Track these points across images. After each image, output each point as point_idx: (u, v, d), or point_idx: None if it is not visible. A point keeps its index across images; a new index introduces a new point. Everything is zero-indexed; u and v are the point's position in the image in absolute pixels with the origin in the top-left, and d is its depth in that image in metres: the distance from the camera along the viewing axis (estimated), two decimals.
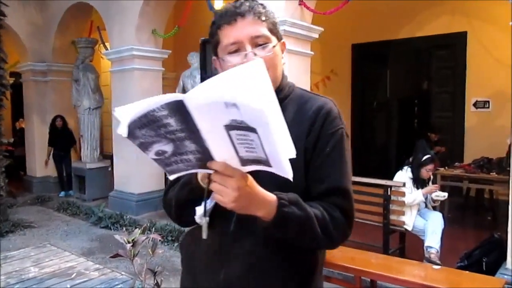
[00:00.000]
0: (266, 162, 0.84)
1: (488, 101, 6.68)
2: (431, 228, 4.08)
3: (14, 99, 8.68)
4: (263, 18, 1.11)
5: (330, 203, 1.07)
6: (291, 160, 0.93)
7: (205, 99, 0.74)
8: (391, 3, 7.16)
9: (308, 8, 4.65)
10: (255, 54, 1.08)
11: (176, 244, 4.97)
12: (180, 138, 0.81)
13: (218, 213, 1.03)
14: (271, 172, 0.90)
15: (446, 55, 7.32)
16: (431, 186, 4.28)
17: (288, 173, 0.84)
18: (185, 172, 0.92)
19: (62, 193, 7.81)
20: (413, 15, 7.26)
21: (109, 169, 7.45)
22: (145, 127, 0.80)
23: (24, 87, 8.48)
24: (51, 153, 7.86)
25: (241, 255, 1.09)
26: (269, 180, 0.94)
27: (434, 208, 4.45)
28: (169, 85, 8.27)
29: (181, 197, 1.12)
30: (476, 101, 6.78)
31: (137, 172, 6.33)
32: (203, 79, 2.93)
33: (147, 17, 6.27)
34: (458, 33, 6.84)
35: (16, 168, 8.53)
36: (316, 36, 4.91)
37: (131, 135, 0.83)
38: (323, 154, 1.11)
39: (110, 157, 7.37)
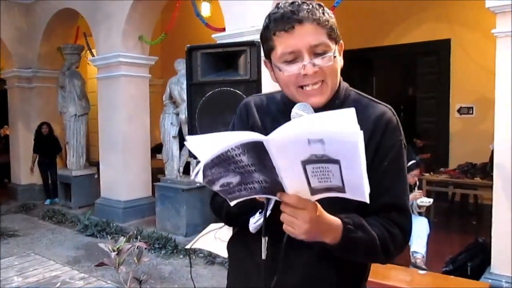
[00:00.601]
0: (339, 189, 0.83)
1: (472, 107, 6.78)
2: (417, 233, 4.11)
3: None
4: (323, 24, 1.03)
5: (389, 220, 1.05)
6: None
7: (290, 138, 0.75)
8: (377, 11, 7.25)
9: None
10: (314, 65, 1.02)
11: (163, 251, 4.93)
12: (249, 171, 0.80)
13: (272, 223, 0.97)
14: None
15: (430, 62, 7.42)
16: (415, 193, 4.33)
17: (366, 197, 0.84)
18: (246, 197, 0.91)
19: (48, 201, 7.71)
20: (398, 22, 7.35)
21: (96, 176, 7.38)
22: (216, 166, 0.78)
23: (8, 93, 8.38)
24: (36, 160, 7.76)
25: (295, 265, 1.08)
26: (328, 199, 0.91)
27: (420, 214, 4.49)
28: (156, 91, 8.26)
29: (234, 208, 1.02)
30: (460, 107, 6.88)
31: (124, 179, 6.28)
32: (188, 86, 2.92)
33: (133, 23, 6.26)
34: (442, 40, 6.95)
35: (0, 175, 8.43)
36: None
37: (203, 176, 0.81)
38: (381, 168, 1.06)
39: (96, 164, 7.31)
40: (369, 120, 1.07)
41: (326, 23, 1.04)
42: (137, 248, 2.58)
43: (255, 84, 2.69)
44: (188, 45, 2.82)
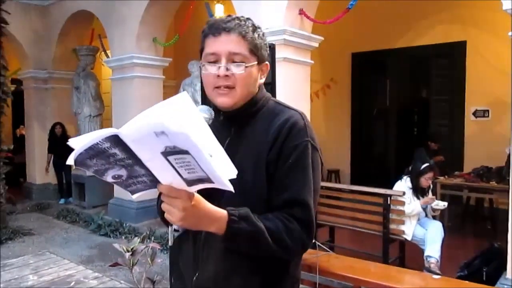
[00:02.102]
0: (208, 180, 0.89)
1: (488, 110, 6.70)
2: (431, 237, 4.07)
3: (15, 106, 8.70)
4: (247, 38, 1.16)
5: (288, 215, 1.11)
6: (253, 173, 1.14)
7: (136, 132, 0.81)
8: (391, 12, 7.21)
9: (308, 17, 4.69)
10: (227, 69, 1.15)
11: None
12: (129, 164, 0.88)
13: None
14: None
15: (445, 64, 7.35)
16: (428, 198, 4.28)
17: (229, 187, 0.90)
18: (144, 191, 0.99)
19: (62, 200, 7.80)
20: (412, 24, 7.30)
21: None
22: (95, 157, 0.86)
23: (25, 94, 8.52)
24: (51, 160, 7.86)
25: (212, 260, 1.18)
26: (232, 194, 0.98)
27: (434, 218, 4.45)
28: (169, 93, 8.28)
29: (159, 208, 1.17)
30: (476, 110, 6.80)
31: None
32: (202, 88, 2.94)
33: (147, 26, 6.31)
34: (457, 42, 6.88)
35: (16, 175, 8.54)
36: (316, 45, 4.94)
37: (83, 164, 0.88)
38: (285, 167, 1.14)
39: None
40: (276, 125, 1.17)
41: (251, 39, 1.17)
42: (151, 249, 2.61)
43: (269, 86, 2.69)
44: None
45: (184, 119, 0.79)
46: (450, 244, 4.55)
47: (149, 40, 6.41)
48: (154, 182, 0.94)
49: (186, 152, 0.82)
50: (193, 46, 5.56)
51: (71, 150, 0.86)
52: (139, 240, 2.58)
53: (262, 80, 1.26)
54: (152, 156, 0.85)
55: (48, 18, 8.00)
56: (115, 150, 0.84)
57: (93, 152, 0.84)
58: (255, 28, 1.20)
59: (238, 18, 1.19)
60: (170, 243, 1.07)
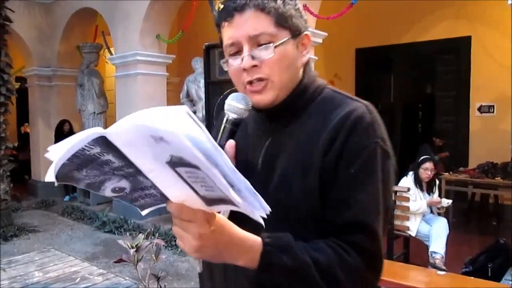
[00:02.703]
0: (231, 201, 0.66)
1: (493, 106, 6.66)
2: (436, 233, 4.06)
3: (19, 104, 8.74)
4: (269, 9, 0.88)
5: (347, 243, 0.83)
6: (302, 183, 0.87)
7: (127, 133, 0.61)
8: (395, 8, 7.17)
9: (311, 13, 4.66)
10: (252, 57, 0.89)
11: (180, 249, 4.95)
12: (131, 174, 0.68)
13: None
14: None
15: (450, 60, 7.31)
16: (435, 199, 4.27)
17: (258, 219, 0.68)
18: (156, 206, 0.78)
19: (67, 198, 7.83)
20: (417, 19, 7.26)
21: None
22: (85, 167, 0.67)
23: (29, 92, 8.54)
24: None
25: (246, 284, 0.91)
26: (272, 211, 0.75)
27: (439, 214, 4.43)
28: (173, 89, 8.31)
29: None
30: (481, 105, 6.76)
31: None
32: (206, 84, 2.94)
33: (151, 22, 6.31)
34: (462, 37, 6.84)
35: (20, 172, 8.59)
36: (320, 41, 4.92)
37: (70, 178, 0.69)
38: (344, 178, 0.86)
39: None
40: (335, 120, 0.89)
41: (274, 9, 0.89)
42: (155, 245, 2.61)
43: None
44: (206, 43, 2.83)
45: (186, 128, 0.60)
46: (455, 240, 4.53)
47: (152, 37, 6.40)
48: (165, 196, 0.72)
49: (195, 167, 0.62)
50: (197, 43, 5.56)
51: None
52: (143, 236, 2.58)
53: (306, 58, 0.97)
54: (154, 166, 0.65)
55: (51, 16, 8.01)
56: (109, 157, 0.64)
57: (80, 160, 0.65)
58: None
59: None
60: (199, 269, 0.86)
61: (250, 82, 0.92)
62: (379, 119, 0.91)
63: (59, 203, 7.63)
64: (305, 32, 0.96)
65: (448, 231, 4.12)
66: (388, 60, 8.05)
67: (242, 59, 0.90)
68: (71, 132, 7.74)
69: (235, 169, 0.65)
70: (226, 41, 0.93)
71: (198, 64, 5.90)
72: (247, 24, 0.89)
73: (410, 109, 8.52)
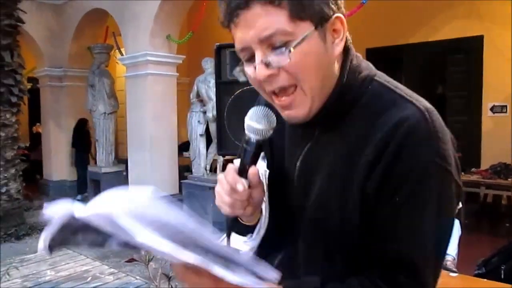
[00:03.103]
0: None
1: (506, 106, 6.58)
2: None
3: (31, 104, 8.84)
4: (278, 2, 0.70)
5: (388, 283, 0.71)
6: (340, 202, 0.75)
7: (92, 218, 0.62)
8: (406, 7, 7.12)
9: None
10: (267, 65, 0.72)
11: None
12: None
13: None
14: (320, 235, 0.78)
15: (461, 59, 7.24)
16: None
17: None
18: None
19: (79, 196, 7.88)
20: (428, 19, 7.20)
21: (124, 173, 7.51)
22: (80, 233, 0.69)
23: (41, 92, 8.63)
24: (74, 155, 8.02)
25: None
26: (309, 234, 0.77)
27: None
28: (183, 90, 8.34)
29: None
30: (493, 105, 6.68)
31: (151, 177, 6.37)
32: (217, 84, 2.94)
33: (161, 23, 6.33)
34: (474, 37, 6.77)
35: (32, 172, 8.68)
36: None
37: (68, 241, 0.70)
38: (390, 203, 0.72)
39: (125, 162, 7.44)
40: (382, 130, 0.72)
41: (284, 0, 0.70)
42: None
43: None
44: (217, 43, 2.82)
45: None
46: (467, 242, 4.47)
47: (162, 37, 6.43)
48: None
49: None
50: (207, 43, 5.56)
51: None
52: None
53: (340, 47, 0.77)
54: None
55: (63, 17, 8.09)
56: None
57: (70, 229, 0.66)
58: None
59: None
60: None
61: (274, 93, 0.76)
62: (440, 127, 0.73)
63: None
64: (336, 15, 0.75)
65: (460, 232, 4.07)
66: (398, 60, 7.99)
67: (256, 67, 0.74)
68: (89, 131, 7.88)
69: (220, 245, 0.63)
70: (237, 45, 0.77)
71: (208, 64, 5.91)
72: (255, 24, 0.71)
73: None
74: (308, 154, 0.84)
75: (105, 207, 0.60)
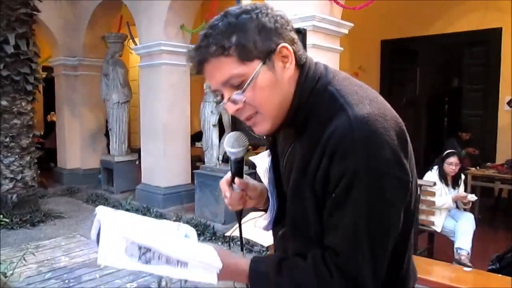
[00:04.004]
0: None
1: None
2: (462, 229, 3.99)
3: (46, 93, 8.91)
4: (227, 53, 0.88)
5: (330, 264, 0.88)
6: (301, 203, 0.94)
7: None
8: None
9: (337, 3, 4.59)
10: (234, 103, 0.92)
11: (202, 238, 5.01)
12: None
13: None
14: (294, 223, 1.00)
15: (479, 52, 7.11)
16: (461, 194, 4.18)
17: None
18: None
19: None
20: (445, 10, 7.08)
21: (137, 162, 7.57)
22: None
23: (55, 81, 8.69)
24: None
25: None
26: (288, 224, 1.01)
27: (465, 210, 4.34)
28: (196, 80, 8.33)
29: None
30: (511, 99, 6.57)
31: (164, 166, 6.41)
32: None
33: (175, 12, 6.32)
34: (492, 29, 6.64)
35: (47, 160, 8.79)
36: (346, 31, 4.85)
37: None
38: (329, 201, 0.88)
39: (138, 151, 7.49)
40: (323, 138, 0.87)
41: (231, 48, 0.88)
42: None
43: None
44: None
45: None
46: (481, 236, 4.44)
47: (176, 27, 6.42)
48: None
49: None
50: None
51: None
52: None
53: (290, 71, 0.94)
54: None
55: (78, 6, 8.11)
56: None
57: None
58: (234, 26, 0.88)
59: (208, 32, 0.90)
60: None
61: (246, 119, 0.96)
62: (368, 133, 0.83)
63: (83, 190, 7.79)
64: (281, 45, 0.91)
65: (474, 227, 4.04)
66: (414, 52, 7.89)
67: (225, 104, 0.94)
68: None
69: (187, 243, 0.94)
70: (211, 88, 0.98)
71: None
72: (214, 74, 0.91)
73: (435, 102, 8.34)
74: (289, 153, 1.03)
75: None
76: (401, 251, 0.97)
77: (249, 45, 0.88)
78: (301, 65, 0.97)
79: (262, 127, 0.96)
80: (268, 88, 0.91)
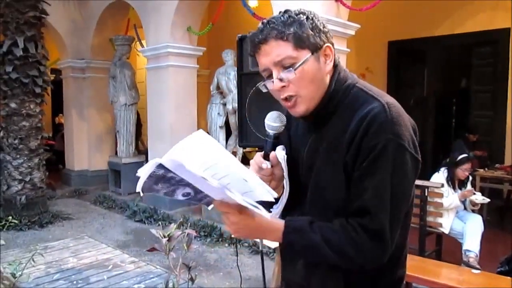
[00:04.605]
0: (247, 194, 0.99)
1: None
2: (470, 231, 3.96)
3: (54, 95, 8.97)
4: (285, 38, 1.07)
5: (358, 225, 1.03)
6: (331, 177, 1.10)
7: (167, 163, 0.88)
8: None
9: (344, 4, 4.59)
10: (280, 80, 1.09)
11: (208, 239, 5.02)
12: (190, 184, 0.95)
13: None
14: (319, 191, 1.14)
15: (487, 52, 7.06)
16: (466, 190, 4.15)
17: (261, 211, 0.98)
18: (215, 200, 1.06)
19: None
20: (452, 11, 7.03)
21: (144, 164, 7.59)
22: (159, 182, 0.94)
23: (63, 83, 8.76)
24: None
25: (299, 263, 1.24)
26: (312, 199, 1.15)
27: (473, 211, 4.31)
28: (202, 82, 8.37)
29: None
30: None
31: None
32: (239, 76, 2.93)
33: (182, 15, 6.35)
34: (500, 29, 6.59)
35: (55, 161, 8.86)
36: (353, 33, 4.84)
37: (151, 189, 0.97)
38: (358, 171, 1.05)
39: (145, 152, 7.52)
40: (355, 121, 1.06)
41: (291, 35, 1.07)
42: (187, 235, 2.64)
43: None
44: (239, 35, 2.81)
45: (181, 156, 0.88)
46: (490, 238, 4.40)
47: (183, 29, 6.45)
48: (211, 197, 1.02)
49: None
50: (226, 35, 5.55)
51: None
52: (175, 226, 2.62)
53: (329, 66, 1.14)
54: (195, 180, 0.92)
55: (85, 9, 8.17)
56: (172, 174, 0.90)
57: (155, 178, 0.92)
58: (293, 19, 1.09)
59: (271, 21, 1.10)
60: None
61: (285, 99, 1.12)
62: (397, 116, 1.04)
63: (91, 192, 7.83)
64: (326, 44, 1.12)
65: (483, 228, 4.01)
66: (421, 53, 7.84)
67: (273, 81, 1.10)
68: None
69: (247, 174, 0.97)
70: (260, 67, 1.14)
71: (228, 56, 5.91)
72: (271, 53, 1.09)
73: (443, 103, 8.28)
74: (311, 144, 1.19)
75: (178, 156, 0.88)
76: (402, 235, 1.13)
77: (303, 36, 1.08)
78: (335, 65, 1.17)
79: (300, 108, 1.13)
80: (311, 75, 1.10)
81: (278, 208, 1.23)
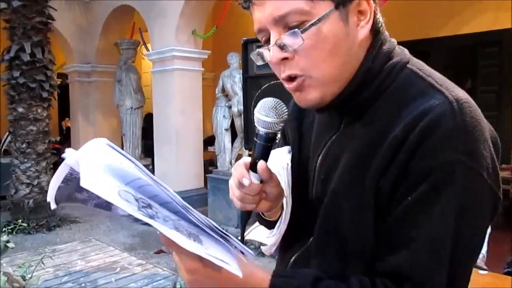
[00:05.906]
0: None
1: None
2: None
3: (61, 99, 9.05)
4: None
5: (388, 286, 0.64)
6: (352, 207, 0.68)
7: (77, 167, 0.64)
8: (434, 0, 6.97)
9: None
10: (281, 48, 0.67)
11: None
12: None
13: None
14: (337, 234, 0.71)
15: (492, 53, 7.06)
16: None
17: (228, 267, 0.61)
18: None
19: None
20: (457, 11, 7.03)
21: (150, 167, 7.63)
22: (84, 189, 0.63)
23: (70, 87, 8.83)
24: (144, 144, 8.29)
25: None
26: (322, 232, 0.73)
27: None
28: (208, 85, 8.41)
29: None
30: None
31: (177, 171, 6.46)
32: (244, 79, 2.96)
33: (187, 18, 6.39)
34: (506, 29, 6.58)
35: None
36: None
37: (75, 199, 0.70)
38: (400, 207, 0.64)
39: (151, 156, 7.55)
40: (403, 122, 0.64)
41: None
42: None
43: None
44: (244, 38, 2.84)
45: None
46: (497, 239, 4.37)
47: (188, 33, 6.49)
48: None
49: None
50: (231, 38, 5.58)
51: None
52: None
53: (364, 31, 0.70)
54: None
55: (91, 13, 8.25)
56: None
57: (75, 183, 0.63)
58: None
59: None
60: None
61: (287, 78, 0.70)
62: (472, 121, 0.63)
63: None
64: None
65: (489, 229, 3.99)
66: (426, 53, 7.83)
67: (270, 49, 0.68)
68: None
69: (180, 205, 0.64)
70: (255, 26, 0.71)
71: (233, 59, 5.94)
72: (270, 4, 0.66)
73: None
74: (330, 149, 0.77)
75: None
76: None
77: None
78: (377, 31, 0.74)
79: (310, 95, 0.70)
80: (333, 42, 0.66)
81: (275, 237, 0.85)
